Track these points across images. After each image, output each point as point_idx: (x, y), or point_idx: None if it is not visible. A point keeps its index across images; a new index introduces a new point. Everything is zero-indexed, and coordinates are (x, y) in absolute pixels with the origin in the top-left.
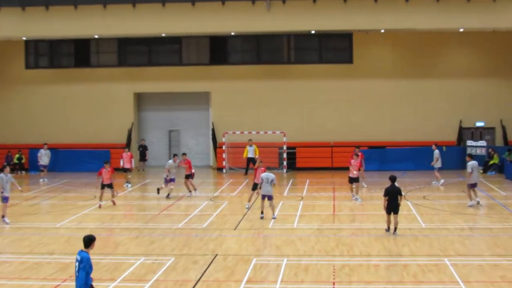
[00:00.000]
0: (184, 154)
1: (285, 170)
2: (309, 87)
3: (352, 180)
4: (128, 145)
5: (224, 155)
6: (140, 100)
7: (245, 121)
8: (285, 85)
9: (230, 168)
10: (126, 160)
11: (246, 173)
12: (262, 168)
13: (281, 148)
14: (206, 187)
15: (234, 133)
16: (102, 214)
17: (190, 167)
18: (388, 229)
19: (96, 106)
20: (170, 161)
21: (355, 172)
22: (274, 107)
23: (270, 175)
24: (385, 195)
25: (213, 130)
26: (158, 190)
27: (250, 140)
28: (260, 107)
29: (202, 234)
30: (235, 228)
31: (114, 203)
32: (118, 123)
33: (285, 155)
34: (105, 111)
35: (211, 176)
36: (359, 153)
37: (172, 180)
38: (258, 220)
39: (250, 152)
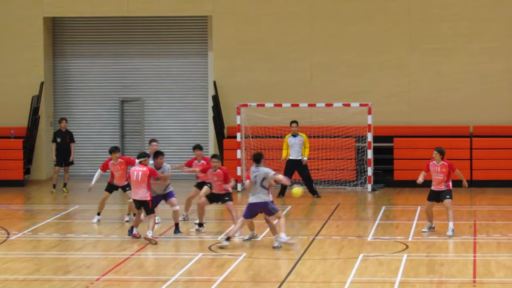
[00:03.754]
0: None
1: (369, 187)
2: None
3: (437, 197)
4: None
5: (239, 154)
6: (58, 34)
7: (283, 82)
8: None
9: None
10: None
11: (282, 193)
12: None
13: (361, 139)
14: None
15: (261, 106)
16: None
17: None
18: None
19: None
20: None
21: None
22: (344, 50)
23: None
24: None
25: (215, 100)
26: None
27: (294, 123)
28: (315, 51)
29: None
30: None
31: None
32: (10, 83)
33: (370, 155)
34: None
35: None
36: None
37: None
38: None
39: (294, 147)
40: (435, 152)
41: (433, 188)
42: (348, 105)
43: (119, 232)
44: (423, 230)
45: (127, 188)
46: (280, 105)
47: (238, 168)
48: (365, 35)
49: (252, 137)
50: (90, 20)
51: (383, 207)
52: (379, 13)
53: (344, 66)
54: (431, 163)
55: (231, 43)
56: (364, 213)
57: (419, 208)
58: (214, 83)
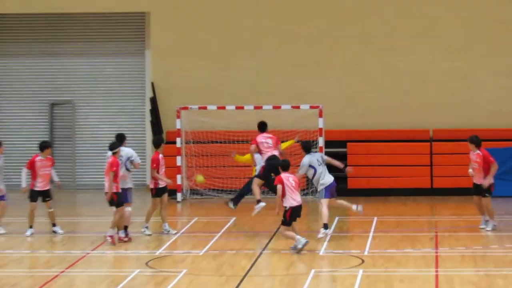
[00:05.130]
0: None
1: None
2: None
3: (478, 190)
4: None
5: (179, 161)
6: None
7: (227, 83)
8: None
9: (193, 192)
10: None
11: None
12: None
13: (312, 144)
14: (139, 236)
15: (203, 109)
16: None
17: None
18: None
19: None
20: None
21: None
22: (293, 48)
23: None
24: None
25: (153, 102)
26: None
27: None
28: (261, 50)
29: None
30: None
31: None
32: None
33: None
34: None
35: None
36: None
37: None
38: None
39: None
40: (468, 142)
41: (474, 180)
42: (298, 107)
43: (48, 247)
44: (481, 226)
45: (47, 198)
46: (223, 108)
47: (178, 176)
48: (316, 32)
49: (193, 143)
50: (16, 17)
51: (336, 218)
52: (331, 9)
53: (293, 65)
54: (471, 151)
55: (170, 41)
56: (316, 224)
57: (375, 219)
58: (152, 84)
